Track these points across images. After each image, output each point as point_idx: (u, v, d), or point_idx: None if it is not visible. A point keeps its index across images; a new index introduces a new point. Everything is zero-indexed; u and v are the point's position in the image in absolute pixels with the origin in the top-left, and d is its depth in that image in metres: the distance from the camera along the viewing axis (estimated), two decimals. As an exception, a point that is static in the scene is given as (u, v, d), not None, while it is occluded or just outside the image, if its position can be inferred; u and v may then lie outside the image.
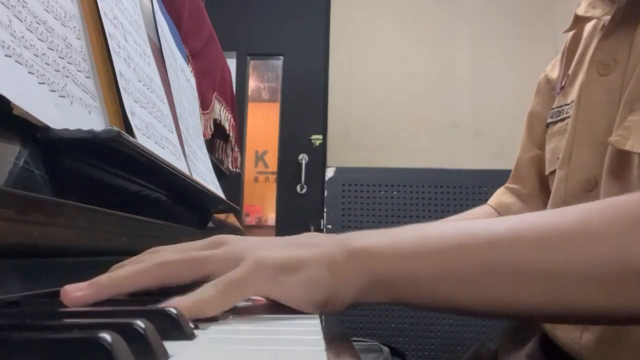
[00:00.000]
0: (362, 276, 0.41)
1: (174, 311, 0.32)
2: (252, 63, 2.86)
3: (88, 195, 0.51)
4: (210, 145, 1.41)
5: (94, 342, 0.23)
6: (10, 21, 0.42)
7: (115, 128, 0.49)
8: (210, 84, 1.33)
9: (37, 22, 0.47)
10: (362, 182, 2.03)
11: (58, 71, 0.49)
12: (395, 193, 2.02)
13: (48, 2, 0.50)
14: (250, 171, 2.92)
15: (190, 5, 1.23)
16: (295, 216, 2.64)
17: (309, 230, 2.53)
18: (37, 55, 0.45)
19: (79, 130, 0.47)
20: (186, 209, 0.91)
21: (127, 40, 0.67)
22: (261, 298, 0.44)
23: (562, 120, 0.74)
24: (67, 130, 0.46)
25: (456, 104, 2.71)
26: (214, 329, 0.36)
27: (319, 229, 2.43)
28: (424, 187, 2.01)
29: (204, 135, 1.19)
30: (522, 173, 0.86)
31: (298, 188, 2.68)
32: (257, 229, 3.00)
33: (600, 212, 0.39)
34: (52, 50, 0.48)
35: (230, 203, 1.08)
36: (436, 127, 2.69)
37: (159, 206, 0.77)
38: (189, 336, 0.32)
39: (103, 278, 0.39)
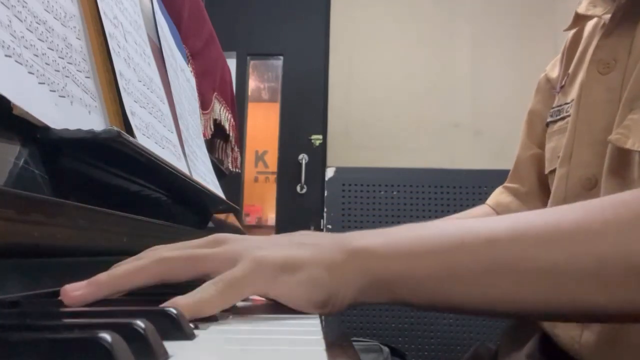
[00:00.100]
0: (361, 276, 0.41)
1: (174, 311, 0.32)
2: (252, 63, 2.86)
3: (88, 195, 0.51)
4: (210, 145, 1.41)
5: (94, 342, 0.23)
6: (10, 21, 0.42)
7: (115, 128, 0.49)
8: (210, 84, 1.33)
9: (37, 22, 0.47)
10: (362, 182, 2.03)
11: (58, 71, 0.49)
12: (395, 193, 2.02)
13: (48, 2, 0.50)
14: (250, 171, 2.92)
15: (190, 5, 1.23)
16: (295, 216, 2.64)
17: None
18: (37, 55, 0.45)
19: (79, 130, 0.47)
20: (186, 209, 0.91)
21: (127, 40, 0.67)
22: (261, 298, 0.44)
23: (562, 119, 0.74)
24: (67, 130, 0.46)
25: (456, 104, 2.71)
26: (214, 329, 0.36)
27: (319, 229, 2.43)
28: (424, 187, 2.01)
29: (204, 135, 1.19)
30: (522, 172, 0.86)
31: (298, 188, 2.68)
32: (257, 229, 3.00)
33: (601, 209, 0.39)
34: (52, 50, 0.48)
35: (230, 203, 1.08)
36: (436, 127, 2.69)
37: (159, 206, 0.77)
38: (189, 336, 0.32)
39: (102, 276, 0.39)
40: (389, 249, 0.41)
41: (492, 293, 0.40)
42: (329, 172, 2.05)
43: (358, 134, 2.70)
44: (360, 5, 2.78)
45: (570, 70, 0.76)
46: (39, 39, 0.46)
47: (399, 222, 0.43)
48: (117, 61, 0.61)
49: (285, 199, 2.71)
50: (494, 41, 2.73)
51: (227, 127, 1.45)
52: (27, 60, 0.44)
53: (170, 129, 0.78)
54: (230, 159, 1.54)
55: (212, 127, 1.31)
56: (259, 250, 0.41)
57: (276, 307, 0.42)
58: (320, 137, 2.71)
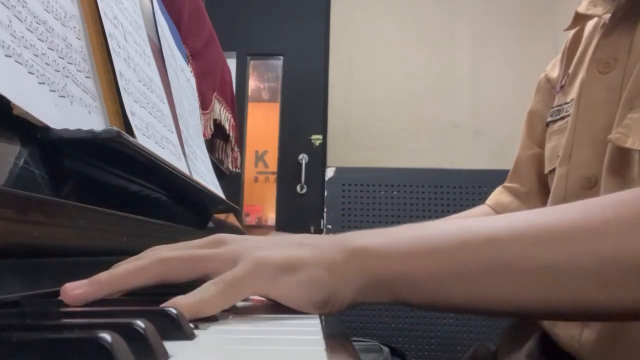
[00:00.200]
0: (361, 276, 0.40)
1: (174, 311, 0.32)
2: (252, 63, 2.86)
3: (88, 195, 0.51)
4: (210, 145, 1.41)
5: (94, 342, 0.23)
6: (10, 21, 0.42)
7: (115, 128, 0.49)
8: (210, 84, 1.33)
9: (37, 22, 0.47)
10: (362, 182, 2.03)
11: (58, 71, 0.49)
12: (395, 193, 2.02)
13: (48, 2, 0.50)
14: (250, 171, 2.92)
15: (190, 5, 1.23)
16: (295, 216, 2.64)
17: (308, 231, 2.53)
18: (37, 55, 0.45)
19: (79, 130, 0.47)
20: (186, 209, 0.91)
21: (127, 40, 0.67)
22: (261, 298, 0.44)
23: (562, 118, 0.74)
24: (67, 130, 0.46)
25: (456, 104, 2.71)
26: (214, 329, 0.36)
27: (319, 229, 2.44)
28: (424, 187, 2.01)
29: (204, 135, 1.19)
30: (521, 171, 0.86)
31: (298, 188, 2.68)
32: (257, 229, 2.99)
33: (601, 208, 0.39)
34: (52, 50, 0.48)
35: (230, 203, 1.08)
36: (436, 127, 2.69)
37: (159, 206, 0.77)
38: (189, 336, 0.32)
39: (103, 275, 0.39)
40: (389, 248, 0.41)
41: (492, 292, 0.40)
42: (329, 172, 2.05)
43: (358, 134, 2.70)
44: (360, 5, 2.78)
45: (570, 70, 0.76)
46: (39, 39, 0.46)
47: (399, 222, 0.43)
48: (117, 61, 0.61)
49: (285, 199, 2.71)
50: (494, 41, 2.72)
51: (227, 127, 1.45)
52: (27, 60, 0.44)
53: (170, 129, 0.78)
54: (230, 159, 1.54)
55: (212, 127, 1.31)
56: (259, 250, 0.41)
57: (276, 307, 0.42)
58: (320, 137, 2.71)
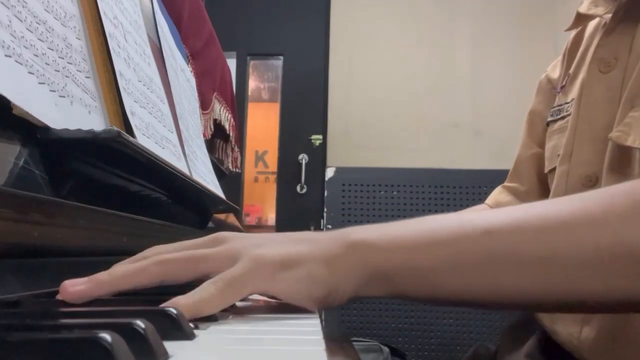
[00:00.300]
0: (361, 269, 0.40)
1: (174, 311, 0.32)
2: (252, 63, 2.86)
3: (88, 195, 0.51)
4: (210, 145, 1.41)
5: (94, 342, 0.23)
6: (10, 21, 0.42)
7: (115, 128, 0.49)
8: (210, 84, 1.33)
9: (37, 22, 0.47)
10: (362, 182, 2.03)
11: (58, 71, 0.49)
12: (395, 193, 2.02)
13: (48, 2, 0.50)
14: (250, 171, 2.92)
15: (190, 5, 1.23)
16: (295, 216, 2.64)
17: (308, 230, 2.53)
18: (37, 55, 0.45)
19: (79, 130, 0.47)
20: (186, 209, 0.91)
21: (127, 40, 0.67)
22: (261, 298, 0.44)
23: (563, 118, 0.74)
24: (67, 130, 0.46)
25: (456, 104, 2.71)
26: (214, 329, 0.36)
27: (319, 229, 2.43)
28: (424, 187, 2.01)
29: (204, 135, 1.19)
30: (522, 171, 0.86)
31: (298, 188, 2.68)
32: (257, 229, 2.99)
33: (599, 198, 0.39)
34: (52, 50, 0.48)
35: (230, 203, 1.08)
36: (436, 127, 2.69)
37: (159, 206, 0.77)
38: (189, 336, 0.32)
39: (102, 275, 0.39)
40: (388, 241, 0.41)
41: (491, 283, 0.40)
42: (329, 172, 2.05)
43: (358, 134, 2.70)
44: (360, 5, 2.78)
45: (571, 70, 0.76)
46: (39, 39, 0.46)
47: (398, 222, 0.43)
48: (117, 61, 0.61)
49: (285, 199, 2.71)
50: (494, 41, 2.72)
51: (227, 127, 1.45)
52: (27, 60, 0.44)
53: (170, 129, 0.78)
54: (230, 159, 1.54)
55: (212, 127, 1.31)
56: (258, 248, 0.41)
57: (276, 307, 0.42)
58: (320, 137, 2.71)
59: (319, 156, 2.69)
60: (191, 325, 0.33)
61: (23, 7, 0.45)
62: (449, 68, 2.73)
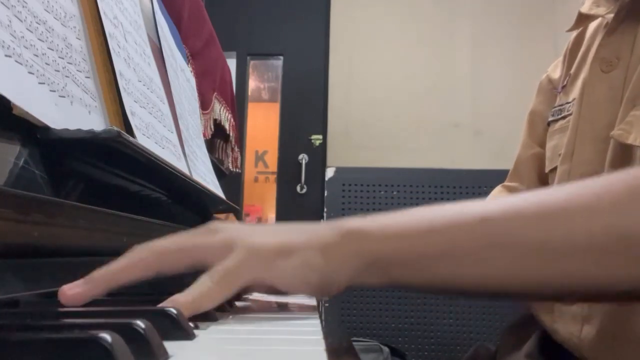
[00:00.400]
0: (356, 258, 0.40)
1: (174, 311, 0.32)
2: (252, 63, 2.86)
3: (88, 195, 0.51)
4: (210, 145, 1.41)
5: (94, 342, 0.22)
6: (10, 21, 0.42)
7: (115, 128, 0.49)
8: (210, 84, 1.33)
9: (37, 22, 0.47)
10: (362, 182, 2.03)
11: (58, 71, 0.49)
12: (395, 193, 2.02)
13: (48, 2, 0.50)
14: (250, 171, 2.92)
15: (190, 5, 1.23)
16: (295, 216, 2.64)
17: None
18: (37, 55, 0.45)
19: (79, 130, 0.47)
20: (186, 209, 0.91)
21: (127, 40, 0.67)
22: (261, 298, 0.44)
23: (564, 117, 0.74)
24: (67, 130, 0.46)
25: (456, 104, 2.70)
26: (214, 329, 0.36)
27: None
28: (424, 187, 2.02)
29: (204, 135, 1.19)
30: (522, 170, 0.86)
31: (298, 188, 2.68)
32: (257, 228, 2.99)
33: (597, 186, 0.39)
34: (52, 50, 0.48)
35: (230, 203, 1.08)
36: (436, 127, 2.69)
37: (159, 206, 0.77)
38: (189, 336, 0.32)
39: (98, 272, 0.39)
40: (384, 229, 0.41)
41: (487, 271, 0.39)
42: (329, 172, 2.05)
43: (358, 134, 2.70)
44: (360, 5, 2.78)
45: (572, 70, 0.76)
46: (39, 39, 0.46)
47: (398, 222, 0.42)
48: (117, 61, 0.61)
49: (285, 199, 2.71)
50: (494, 41, 2.72)
51: (227, 127, 1.45)
52: (27, 60, 0.44)
53: (170, 129, 0.78)
54: (230, 159, 1.54)
55: (212, 127, 1.31)
56: (253, 237, 0.41)
57: (276, 308, 0.42)
58: (320, 137, 2.71)
59: (319, 156, 2.69)
60: (191, 325, 0.33)
61: (23, 7, 0.45)
62: (449, 68, 2.73)
